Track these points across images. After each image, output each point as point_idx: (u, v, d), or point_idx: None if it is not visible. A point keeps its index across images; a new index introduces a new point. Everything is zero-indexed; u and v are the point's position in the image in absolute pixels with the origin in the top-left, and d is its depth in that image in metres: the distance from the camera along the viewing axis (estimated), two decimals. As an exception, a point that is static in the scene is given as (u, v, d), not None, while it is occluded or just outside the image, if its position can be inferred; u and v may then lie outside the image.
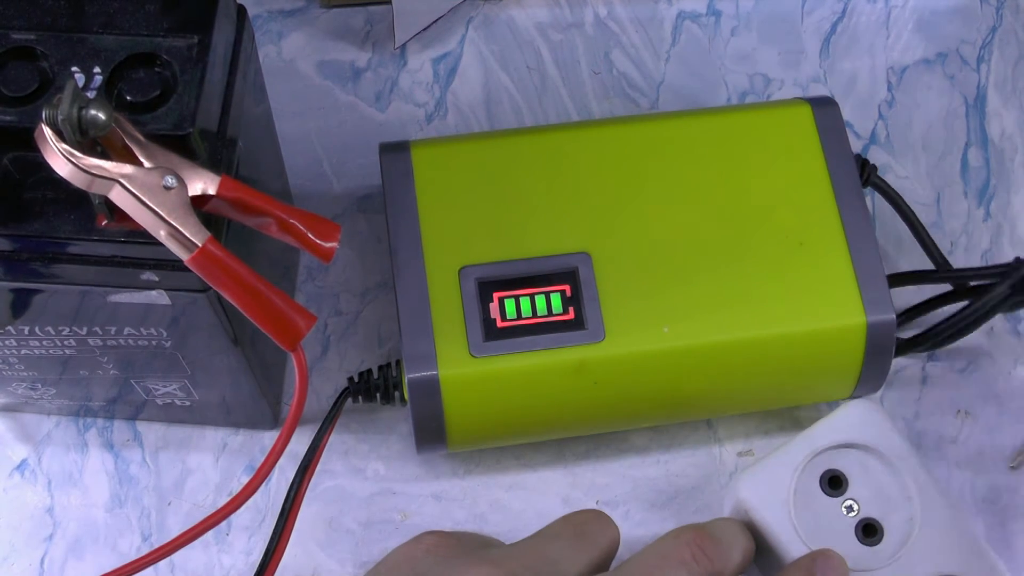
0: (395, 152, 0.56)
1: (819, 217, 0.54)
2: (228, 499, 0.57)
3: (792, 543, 0.50)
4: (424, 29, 0.67)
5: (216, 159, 0.44)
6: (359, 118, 0.67)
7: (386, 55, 0.68)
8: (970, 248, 0.65)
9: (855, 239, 0.54)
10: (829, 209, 0.54)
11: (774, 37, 0.70)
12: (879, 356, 0.54)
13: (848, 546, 0.50)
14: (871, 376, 0.54)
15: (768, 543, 0.50)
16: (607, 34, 0.70)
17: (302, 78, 0.68)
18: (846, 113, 0.67)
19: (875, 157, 0.67)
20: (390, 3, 0.63)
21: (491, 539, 0.53)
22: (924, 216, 0.63)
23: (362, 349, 0.61)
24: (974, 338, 0.60)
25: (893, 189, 0.59)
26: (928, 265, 0.59)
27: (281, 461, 0.46)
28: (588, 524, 0.49)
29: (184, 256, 0.40)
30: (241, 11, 0.47)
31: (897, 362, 0.59)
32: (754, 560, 0.52)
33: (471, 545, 0.50)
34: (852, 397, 0.56)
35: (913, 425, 0.59)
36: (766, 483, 0.51)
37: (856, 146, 0.67)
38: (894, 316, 0.53)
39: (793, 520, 0.50)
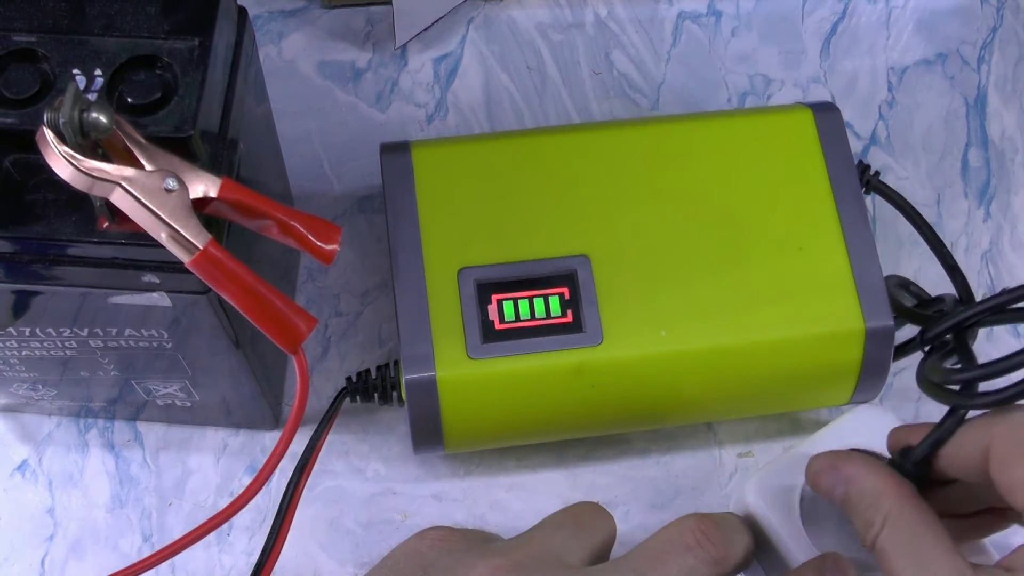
0: (395, 153, 0.56)
1: (819, 222, 0.54)
2: (229, 499, 0.57)
3: (799, 548, 0.50)
4: (425, 29, 0.67)
5: (217, 161, 0.44)
6: (359, 118, 0.67)
7: (387, 55, 0.68)
8: (970, 248, 0.65)
9: (855, 245, 0.54)
10: (829, 215, 0.54)
11: (774, 37, 0.70)
12: (877, 362, 0.54)
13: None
14: (869, 381, 0.54)
15: (774, 547, 0.50)
16: (607, 34, 0.70)
17: (302, 78, 0.68)
18: (846, 113, 0.67)
19: (875, 158, 0.67)
20: (391, 3, 0.63)
21: (493, 535, 0.53)
22: (924, 216, 0.63)
23: (362, 350, 0.61)
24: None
25: (898, 194, 0.59)
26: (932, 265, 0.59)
27: (282, 462, 0.47)
28: (587, 515, 0.49)
29: (185, 258, 0.40)
30: (242, 13, 0.47)
31: (896, 364, 0.59)
32: (760, 564, 0.52)
33: (475, 539, 0.50)
34: (851, 402, 0.56)
35: (913, 426, 0.59)
36: (773, 487, 0.51)
37: (856, 146, 0.67)
38: (893, 322, 0.53)
39: (799, 525, 0.50)
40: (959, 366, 0.48)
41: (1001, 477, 0.43)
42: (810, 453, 0.52)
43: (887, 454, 0.51)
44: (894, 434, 0.48)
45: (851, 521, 0.45)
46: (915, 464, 0.45)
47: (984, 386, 0.46)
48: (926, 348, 0.53)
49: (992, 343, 0.62)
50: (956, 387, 0.47)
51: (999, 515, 0.47)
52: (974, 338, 0.52)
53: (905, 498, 0.44)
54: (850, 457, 0.47)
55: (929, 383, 0.49)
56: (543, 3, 0.70)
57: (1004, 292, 0.48)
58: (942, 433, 0.45)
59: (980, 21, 0.71)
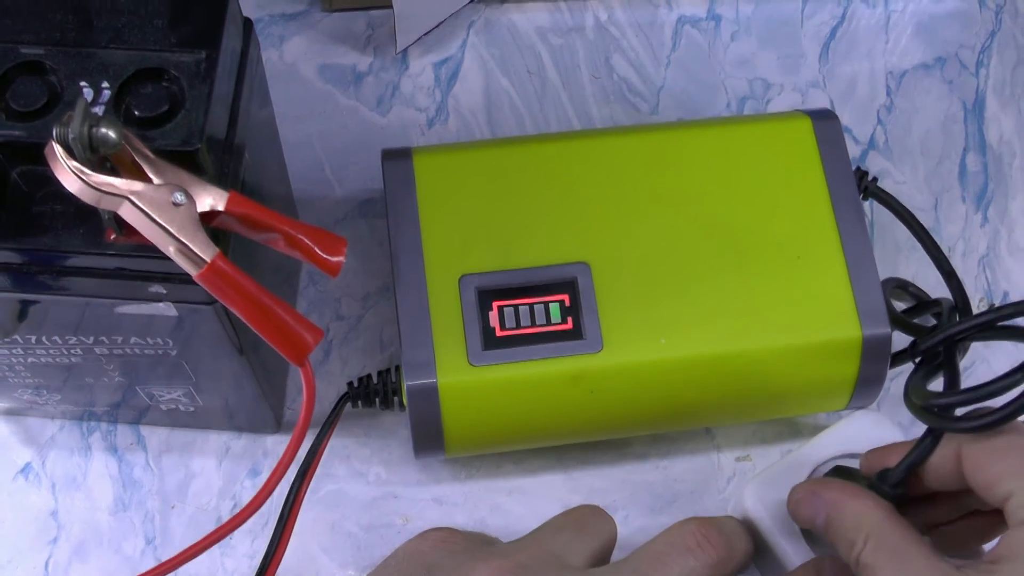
0: (397, 159, 0.56)
1: (817, 230, 0.54)
2: (231, 502, 0.57)
3: (796, 552, 0.50)
4: (426, 33, 0.67)
5: (223, 172, 0.44)
6: (361, 122, 0.67)
7: (388, 59, 0.69)
8: (967, 253, 0.65)
9: (852, 252, 0.54)
10: (827, 222, 0.54)
11: (774, 42, 0.70)
12: (874, 369, 0.54)
13: None
14: (866, 388, 0.55)
15: (772, 551, 0.51)
16: (607, 38, 0.70)
17: (304, 82, 0.68)
18: (845, 118, 0.68)
19: (874, 162, 0.67)
20: (391, 7, 0.64)
21: (494, 538, 0.53)
22: (922, 221, 0.63)
23: (364, 354, 0.61)
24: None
25: (895, 199, 0.59)
26: (930, 269, 0.59)
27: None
28: (588, 518, 0.50)
29: (193, 272, 0.40)
30: (247, 24, 0.47)
31: (893, 370, 0.59)
32: (757, 567, 0.52)
33: (477, 541, 0.50)
34: (848, 408, 0.56)
35: (910, 431, 0.60)
36: (771, 492, 0.51)
37: (855, 151, 0.68)
38: (890, 329, 0.53)
39: (797, 529, 0.51)
40: (940, 391, 0.49)
41: (976, 478, 0.44)
42: (808, 457, 0.53)
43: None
44: (867, 458, 0.50)
45: (834, 545, 0.46)
46: (893, 486, 0.47)
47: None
48: (916, 360, 0.53)
49: (989, 346, 0.63)
50: (936, 410, 0.48)
51: (987, 520, 0.48)
52: (964, 352, 0.53)
53: (885, 516, 0.45)
54: (830, 483, 0.48)
55: (912, 403, 0.50)
56: (543, 7, 0.71)
57: (992, 310, 0.49)
58: (919, 454, 0.47)
59: (979, 25, 0.72)
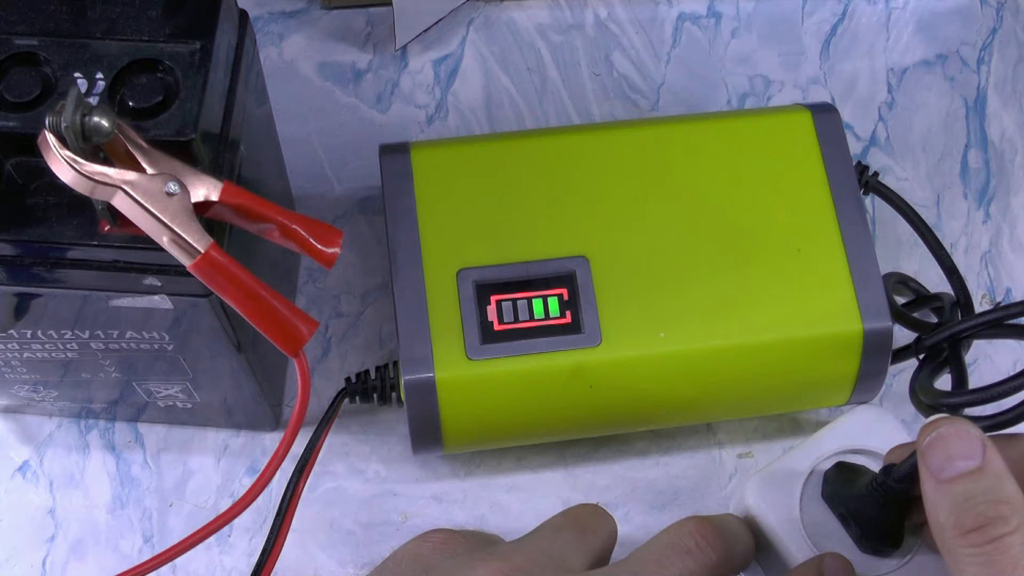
0: (395, 154, 0.56)
1: (817, 224, 0.54)
2: (230, 500, 0.57)
3: (798, 548, 0.50)
4: (425, 31, 0.67)
5: (218, 163, 0.44)
6: (360, 119, 0.67)
7: (387, 56, 0.68)
8: (970, 249, 0.65)
9: (853, 246, 0.54)
10: (827, 216, 0.54)
11: (774, 39, 0.70)
12: (876, 363, 0.54)
13: (854, 553, 0.50)
14: (868, 382, 0.54)
15: (774, 547, 0.50)
16: (607, 36, 0.70)
17: (303, 79, 0.68)
18: (846, 115, 0.68)
19: (875, 159, 0.67)
20: (391, 5, 0.63)
21: (495, 536, 0.53)
22: (924, 217, 0.63)
23: (363, 351, 0.61)
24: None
25: (896, 194, 0.59)
26: (932, 265, 0.59)
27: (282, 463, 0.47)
28: (588, 518, 0.50)
29: (187, 262, 0.40)
30: (243, 16, 0.47)
31: (895, 365, 0.59)
32: (759, 564, 0.52)
33: (476, 542, 0.50)
34: (850, 403, 0.56)
35: (912, 427, 0.59)
36: (773, 488, 0.51)
37: (856, 148, 0.67)
38: (891, 323, 0.53)
39: (800, 525, 0.50)
40: (947, 389, 0.49)
41: None
42: (810, 453, 0.52)
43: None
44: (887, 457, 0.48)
45: (960, 500, 0.40)
46: (897, 480, 0.46)
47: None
48: (920, 356, 0.53)
49: (992, 343, 0.62)
50: (944, 409, 0.47)
51: None
52: (968, 348, 0.53)
53: None
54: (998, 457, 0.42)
55: (919, 401, 0.49)
56: (543, 4, 0.70)
57: (1000, 307, 0.48)
58: None
59: (980, 22, 0.71)
